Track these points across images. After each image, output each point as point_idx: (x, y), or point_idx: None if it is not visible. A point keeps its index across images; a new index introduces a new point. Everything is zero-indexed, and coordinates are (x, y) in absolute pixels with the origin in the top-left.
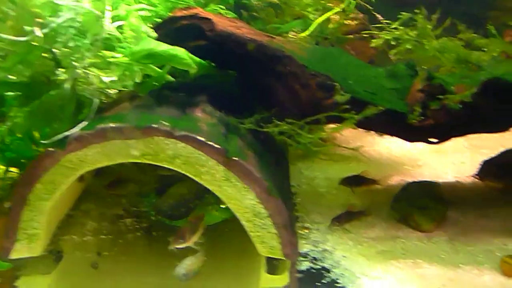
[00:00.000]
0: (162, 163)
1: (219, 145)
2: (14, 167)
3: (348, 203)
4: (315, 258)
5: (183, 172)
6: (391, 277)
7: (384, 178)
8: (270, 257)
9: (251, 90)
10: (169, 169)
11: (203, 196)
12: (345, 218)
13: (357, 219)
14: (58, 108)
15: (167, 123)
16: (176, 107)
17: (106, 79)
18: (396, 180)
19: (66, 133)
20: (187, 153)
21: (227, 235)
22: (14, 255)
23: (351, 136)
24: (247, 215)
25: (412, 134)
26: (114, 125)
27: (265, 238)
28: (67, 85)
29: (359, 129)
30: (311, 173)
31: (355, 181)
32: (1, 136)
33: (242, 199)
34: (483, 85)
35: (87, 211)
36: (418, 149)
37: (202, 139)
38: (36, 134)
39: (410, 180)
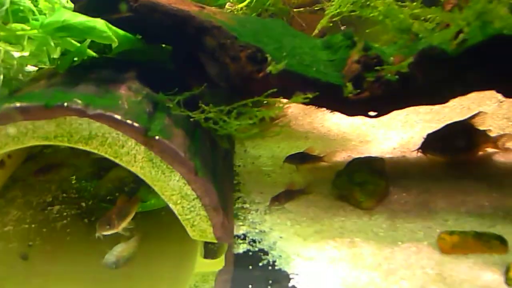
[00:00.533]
0: (78, 145)
1: (138, 123)
2: None
3: (291, 181)
4: (253, 240)
5: (101, 154)
6: (325, 257)
7: (329, 154)
8: (207, 242)
9: (184, 66)
10: None
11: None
12: (284, 197)
13: (297, 197)
14: None
15: (80, 101)
16: (98, 84)
17: (17, 54)
18: (342, 156)
19: None
20: (103, 133)
21: (167, 219)
22: None
23: (301, 113)
24: (174, 198)
25: (349, 108)
26: (19, 105)
27: (195, 221)
28: None
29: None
30: (257, 152)
31: (300, 159)
32: None
33: (167, 181)
34: (418, 54)
35: (12, 200)
36: (368, 124)
37: (118, 117)
38: None
39: (357, 156)
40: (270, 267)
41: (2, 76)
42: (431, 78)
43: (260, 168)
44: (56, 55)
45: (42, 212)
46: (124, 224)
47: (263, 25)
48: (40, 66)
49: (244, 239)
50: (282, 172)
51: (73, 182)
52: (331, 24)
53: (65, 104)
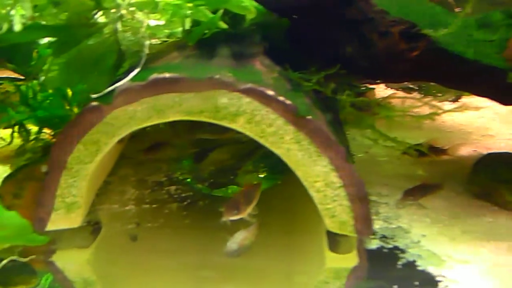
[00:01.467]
0: (222, 122)
1: (289, 101)
2: (47, 127)
3: (414, 174)
4: (384, 236)
5: (246, 132)
6: (483, 261)
7: (453, 147)
8: (332, 233)
9: (306, 43)
10: (209, 131)
11: (244, 163)
12: (420, 192)
13: (432, 193)
14: (98, 58)
15: (230, 74)
16: (233, 58)
17: (153, 22)
18: (467, 150)
19: (113, 86)
20: (252, 109)
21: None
22: (50, 227)
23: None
24: (318, 185)
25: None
26: (169, 76)
27: (336, 211)
28: (108, 29)
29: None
30: (367, 141)
31: (421, 151)
32: (33, 92)
33: (312, 166)
34: None
35: (125, 178)
36: (486, 117)
37: (271, 93)
38: (69, 92)
39: (484, 151)
40: (410, 267)
41: (148, 42)
42: None
43: (375, 158)
44: (188, 25)
45: (158, 191)
46: (249, 209)
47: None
48: (163, 40)
49: (374, 234)
50: (401, 163)
51: (177, 162)
52: None
53: (216, 76)
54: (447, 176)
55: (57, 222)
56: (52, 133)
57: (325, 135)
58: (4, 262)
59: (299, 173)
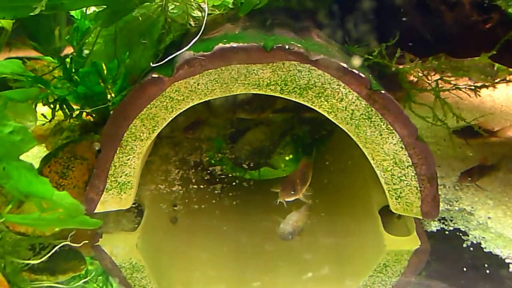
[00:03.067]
0: (290, 96)
1: (363, 74)
2: (86, 104)
3: (464, 155)
4: (443, 218)
5: (314, 107)
6: None
7: (504, 130)
8: (387, 213)
9: (354, 17)
10: (246, 111)
11: (278, 145)
12: (477, 173)
13: (489, 174)
14: (145, 30)
15: (300, 45)
16: (290, 29)
17: None
18: None
19: (173, 55)
20: (323, 83)
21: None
22: (99, 208)
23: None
24: (386, 164)
25: None
26: (237, 45)
27: (403, 192)
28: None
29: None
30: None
31: (471, 133)
32: (76, 67)
33: (382, 144)
34: None
35: (166, 157)
36: None
37: (345, 65)
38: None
39: None
40: (476, 250)
41: (206, 8)
42: None
43: None
44: None
45: (203, 172)
46: (304, 190)
47: None
48: (209, 12)
49: None
50: (448, 145)
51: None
52: None
53: (287, 47)
54: (498, 157)
55: (108, 203)
56: (88, 110)
57: (398, 111)
58: (57, 248)
59: (367, 151)
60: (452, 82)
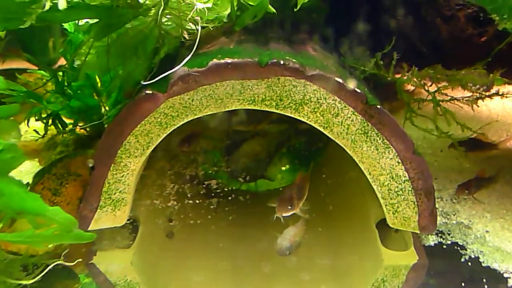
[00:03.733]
0: (286, 111)
1: (359, 89)
2: (80, 119)
3: (462, 167)
4: (441, 232)
5: (310, 122)
6: None
7: (504, 142)
8: (383, 228)
9: (350, 29)
10: (242, 123)
11: (274, 156)
12: (474, 186)
13: (487, 187)
14: (139, 43)
15: (295, 60)
16: (286, 43)
17: (200, 5)
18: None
19: (168, 72)
20: (318, 98)
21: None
22: (93, 226)
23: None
24: (382, 178)
25: None
26: (232, 61)
27: (400, 206)
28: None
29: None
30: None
31: (471, 145)
32: (69, 80)
33: (378, 158)
34: None
35: (162, 171)
36: None
37: (341, 80)
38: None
39: None
40: (474, 264)
41: (199, 26)
42: None
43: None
44: (234, 8)
45: (199, 186)
46: (301, 204)
47: None
48: (203, 25)
49: None
50: (446, 157)
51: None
52: None
53: (282, 62)
54: (496, 169)
55: (102, 220)
56: (82, 125)
57: (394, 125)
58: (50, 267)
59: (363, 166)
60: (449, 94)
